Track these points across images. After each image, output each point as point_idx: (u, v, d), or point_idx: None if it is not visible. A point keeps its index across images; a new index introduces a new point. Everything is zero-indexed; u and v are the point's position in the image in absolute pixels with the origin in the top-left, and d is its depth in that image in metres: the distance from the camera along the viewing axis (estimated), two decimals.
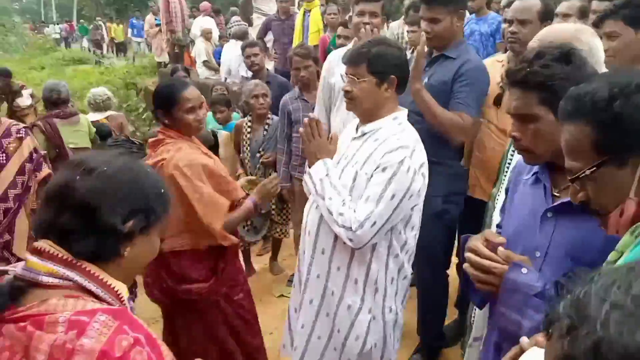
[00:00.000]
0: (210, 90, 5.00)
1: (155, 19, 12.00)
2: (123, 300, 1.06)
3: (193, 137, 2.38)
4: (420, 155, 1.99)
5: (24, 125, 3.49)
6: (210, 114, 4.45)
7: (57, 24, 28.14)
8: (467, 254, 1.48)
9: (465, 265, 1.49)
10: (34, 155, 3.39)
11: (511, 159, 2.03)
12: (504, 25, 3.68)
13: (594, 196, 1.07)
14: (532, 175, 1.54)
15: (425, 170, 2.01)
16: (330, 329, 2.12)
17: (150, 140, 2.39)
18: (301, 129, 2.07)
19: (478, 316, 1.94)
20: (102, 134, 4.48)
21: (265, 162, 3.90)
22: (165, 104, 2.26)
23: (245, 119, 4.03)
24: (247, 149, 3.96)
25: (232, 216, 2.34)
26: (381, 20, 3.26)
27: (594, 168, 1.04)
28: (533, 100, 1.39)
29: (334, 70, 3.35)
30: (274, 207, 3.94)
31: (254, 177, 3.03)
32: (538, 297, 1.34)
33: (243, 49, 4.86)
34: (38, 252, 1.03)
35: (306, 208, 2.16)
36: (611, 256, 1.00)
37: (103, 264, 1.04)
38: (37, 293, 0.98)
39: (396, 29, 5.23)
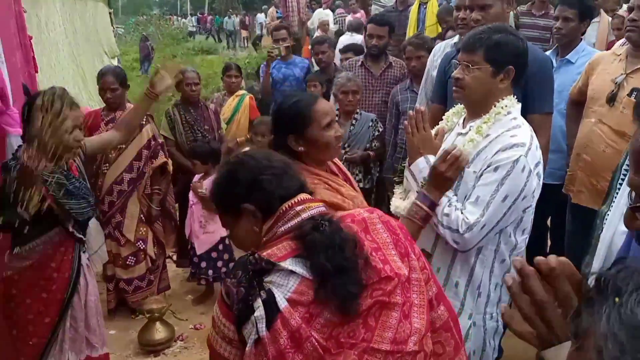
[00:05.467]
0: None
1: (277, 12, 12.42)
2: None
3: (327, 162, 1.95)
4: (536, 154, 1.83)
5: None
6: None
7: (192, 16, 30.23)
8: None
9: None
10: (152, 142, 3.52)
11: (625, 174, 1.80)
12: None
13: None
14: None
15: (540, 169, 1.86)
16: None
17: None
18: (406, 121, 2.00)
19: None
20: None
21: (349, 159, 3.65)
22: (298, 124, 1.80)
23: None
24: None
25: None
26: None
27: None
28: None
29: (438, 63, 3.23)
30: None
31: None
32: None
33: (312, 46, 4.87)
34: None
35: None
36: None
37: None
38: None
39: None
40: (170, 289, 3.99)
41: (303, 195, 1.30)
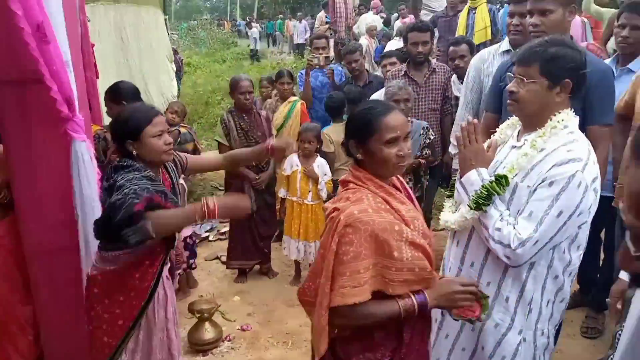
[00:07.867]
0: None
1: (326, 17, 12.51)
2: None
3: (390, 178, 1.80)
4: (593, 169, 1.79)
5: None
6: None
7: (242, 21, 30.71)
8: None
9: None
10: None
11: None
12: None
13: None
14: None
15: (597, 185, 1.81)
16: (475, 344, 2.03)
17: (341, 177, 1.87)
18: (457, 133, 1.99)
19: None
20: None
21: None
22: (362, 132, 1.71)
23: None
24: None
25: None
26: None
27: None
28: None
29: (490, 70, 3.19)
30: None
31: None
32: None
33: (343, 55, 4.91)
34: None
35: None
36: None
37: None
38: None
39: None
40: (218, 289, 4.10)
41: None
